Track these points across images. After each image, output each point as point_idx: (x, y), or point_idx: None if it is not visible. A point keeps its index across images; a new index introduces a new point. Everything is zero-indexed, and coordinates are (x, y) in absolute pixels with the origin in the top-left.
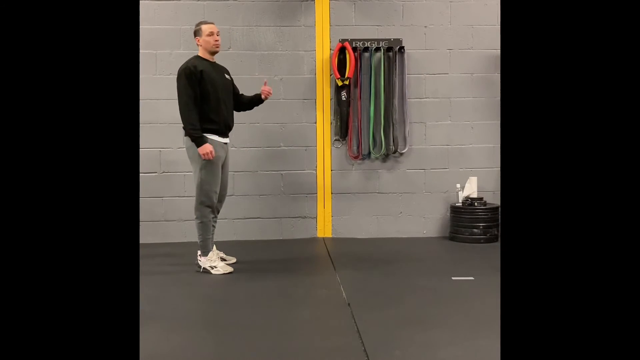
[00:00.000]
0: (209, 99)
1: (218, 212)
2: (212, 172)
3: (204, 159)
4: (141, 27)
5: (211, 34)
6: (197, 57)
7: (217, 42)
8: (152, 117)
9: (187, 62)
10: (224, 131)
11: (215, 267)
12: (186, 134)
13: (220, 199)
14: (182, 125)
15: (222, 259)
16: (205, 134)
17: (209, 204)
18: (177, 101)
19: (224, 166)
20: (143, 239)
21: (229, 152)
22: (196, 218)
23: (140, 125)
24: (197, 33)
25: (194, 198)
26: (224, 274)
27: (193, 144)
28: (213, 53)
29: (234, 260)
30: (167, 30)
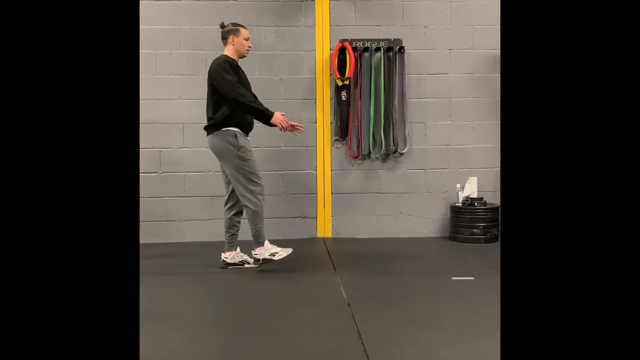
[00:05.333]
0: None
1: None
2: (251, 159)
3: (282, 129)
4: (141, 27)
5: (248, 39)
6: (227, 56)
7: (250, 48)
8: (152, 117)
9: (223, 57)
10: (247, 130)
11: (277, 252)
12: (255, 115)
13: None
14: (205, 124)
15: (246, 262)
16: (230, 127)
17: (260, 191)
18: (208, 95)
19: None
20: (143, 239)
21: None
22: (247, 208)
23: (140, 125)
24: (234, 33)
25: (240, 190)
26: (287, 255)
27: (219, 141)
28: (242, 57)
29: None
30: (167, 30)
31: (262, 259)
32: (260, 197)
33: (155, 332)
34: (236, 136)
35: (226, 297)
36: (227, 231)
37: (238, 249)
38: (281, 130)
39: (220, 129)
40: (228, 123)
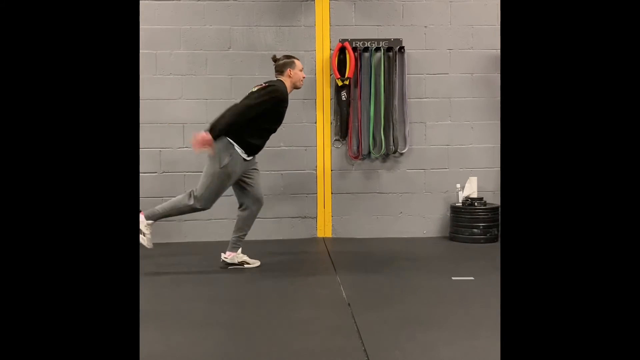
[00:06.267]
0: (265, 125)
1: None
2: (223, 182)
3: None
4: (141, 27)
5: (302, 69)
6: (285, 89)
7: (304, 78)
8: (152, 117)
9: (283, 87)
10: (252, 152)
11: (146, 235)
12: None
13: (258, 206)
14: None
15: (246, 262)
16: (235, 143)
17: (198, 207)
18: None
19: (253, 176)
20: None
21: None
22: (193, 195)
23: (140, 125)
24: (290, 65)
25: (200, 187)
26: (145, 246)
27: (220, 146)
28: (296, 88)
29: (258, 263)
30: (167, 30)
31: (142, 231)
32: (192, 209)
33: (155, 332)
34: (231, 155)
35: (226, 297)
36: (235, 232)
37: (239, 250)
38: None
39: (227, 141)
40: (238, 137)
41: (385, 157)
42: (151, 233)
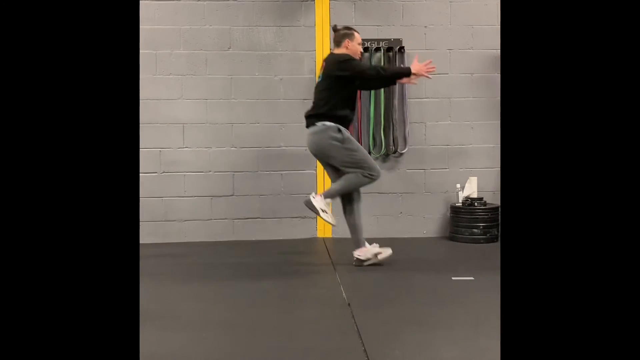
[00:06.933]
0: (350, 95)
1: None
2: (358, 149)
3: (421, 75)
4: (141, 27)
5: (360, 44)
6: None
7: (362, 53)
8: (152, 117)
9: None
10: (347, 125)
11: (326, 212)
12: (390, 79)
13: None
14: (309, 113)
15: (379, 253)
16: (327, 122)
17: (377, 173)
18: (320, 88)
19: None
20: (143, 239)
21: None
22: (354, 174)
23: (140, 125)
24: (350, 37)
25: (360, 169)
26: (330, 223)
27: (321, 139)
28: None
29: (389, 251)
30: (167, 30)
31: (314, 207)
32: (368, 181)
33: (155, 332)
34: (339, 130)
35: (226, 297)
36: (351, 231)
37: (367, 244)
38: (424, 74)
39: (322, 124)
40: (331, 117)
41: (385, 157)
42: (330, 208)
